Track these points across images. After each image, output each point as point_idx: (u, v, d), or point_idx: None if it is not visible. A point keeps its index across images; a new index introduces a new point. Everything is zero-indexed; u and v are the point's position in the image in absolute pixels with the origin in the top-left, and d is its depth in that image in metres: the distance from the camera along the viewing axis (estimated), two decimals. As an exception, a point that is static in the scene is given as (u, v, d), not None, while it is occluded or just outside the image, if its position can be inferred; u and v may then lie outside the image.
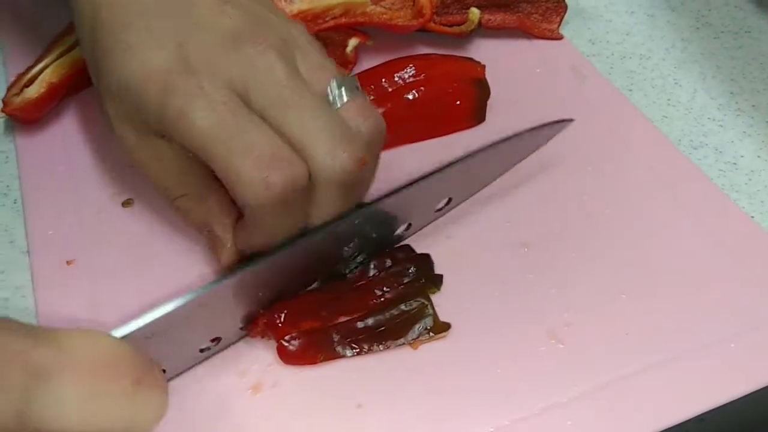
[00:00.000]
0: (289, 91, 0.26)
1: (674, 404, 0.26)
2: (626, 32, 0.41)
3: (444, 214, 0.31)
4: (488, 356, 0.27)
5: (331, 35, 0.37)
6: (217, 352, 0.28)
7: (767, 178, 0.34)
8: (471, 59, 0.36)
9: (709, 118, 0.37)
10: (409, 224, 0.30)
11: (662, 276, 0.29)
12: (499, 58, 0.38)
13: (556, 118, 0.32)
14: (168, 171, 0.29)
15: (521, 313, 0.29)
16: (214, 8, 0.27)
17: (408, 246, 0.30)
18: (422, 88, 0.34)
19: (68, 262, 0.31)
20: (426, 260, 0.29)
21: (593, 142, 0.35)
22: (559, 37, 0.40)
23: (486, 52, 0.39)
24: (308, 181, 0.26)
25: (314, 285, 0.29)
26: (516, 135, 0.29)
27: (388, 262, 0.29)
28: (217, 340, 0.27)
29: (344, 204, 0.27)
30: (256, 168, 0.25)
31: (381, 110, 0.33)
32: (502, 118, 0.36)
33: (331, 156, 0.26)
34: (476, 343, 0.27)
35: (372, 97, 0.33)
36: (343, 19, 0.36)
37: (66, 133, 0.36)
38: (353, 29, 0.37)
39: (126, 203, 0.34)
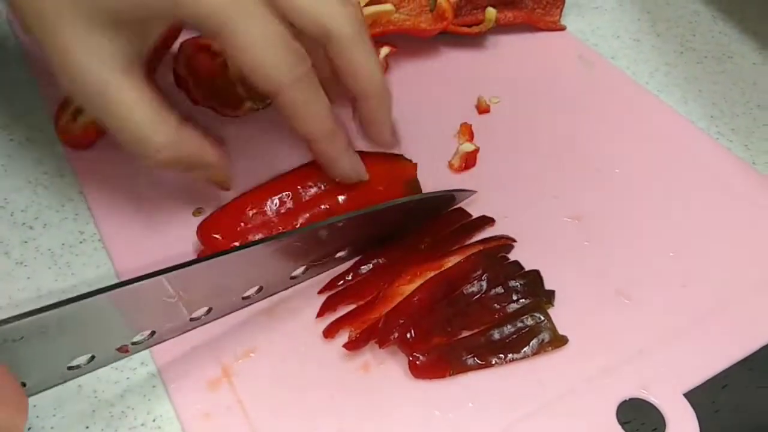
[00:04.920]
0: None
1: (741, 340, 0.34)
2: (612, 56, 0.50)
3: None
4: (566, 319, 0.34)
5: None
6: (88, 372, 0.31)
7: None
8: (402, 157, 0.40)
9: (689, 141, 0.46)
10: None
11: (699, 232, 0.38)
12: (515, 52, 0.48)
13: (572, 101, 0.45)
14: (142, 115, 0.32)
15: (586, 276, 0.36)
16: None
17: (517, 262, 0.36)
18: (346, 194, 0.37)
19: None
20: (536, 276, 0.35)
21: (612, 121, 0.45)
22: (562, 28, 0.51)
23: (500, 47, 0.50)
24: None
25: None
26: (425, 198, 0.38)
27: (501, 278, 0.35)
28: (91, 359, 0.30)
29: (371, 57, 0.33)
30: (275, 54, 0.30)
31: (306, 215, 0.36)
32: (528, 106, 0.45)
33: (340, 11, 0.32)
34: (553, 312, 0.34)
35: (290, 207, 0.36)
36: (376, 29, 0.43)
37: (115, 150, 0.40)
38: (379, 39, 0.44)
39: (196, 212, 0.39)
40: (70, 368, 0.30)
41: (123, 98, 0.31)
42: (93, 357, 0.30)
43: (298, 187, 0.36)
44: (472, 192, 0.39)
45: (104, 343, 0.30)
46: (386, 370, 0.32)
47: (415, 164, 0.39)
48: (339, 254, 0.36)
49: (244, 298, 0.34)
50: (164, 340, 0.32)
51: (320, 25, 0.32)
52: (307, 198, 0.36)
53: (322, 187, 0.36)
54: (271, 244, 0.32)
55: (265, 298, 0.35)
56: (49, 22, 0.30)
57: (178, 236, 0.37)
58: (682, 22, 0.53)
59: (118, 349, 0.31)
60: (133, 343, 0.31)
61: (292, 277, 0.35)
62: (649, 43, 0.51)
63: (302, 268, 0.35)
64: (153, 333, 0.31)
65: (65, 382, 0.30)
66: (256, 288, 0.34)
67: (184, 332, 0.33)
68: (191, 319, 0.32)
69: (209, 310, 0.33)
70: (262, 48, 0.30)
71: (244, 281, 0.33)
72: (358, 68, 0.33)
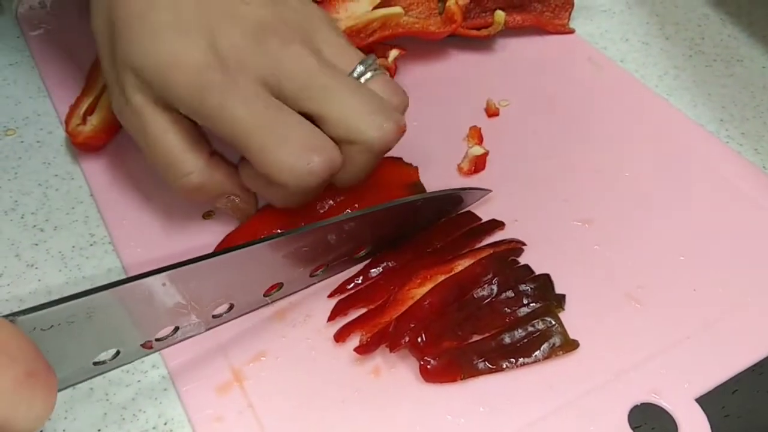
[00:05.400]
0: (322, 76, 0.32)
1: (752, 345, 0.34)
2: (621, 59, 0.50)
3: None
4: (576, 323, 0.34)
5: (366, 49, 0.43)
6: (112, 368, 0.30)
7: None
8: (401, 161, 0.40)
9: (699, 144, 0.45)
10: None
11: (709, 236, 0.38)
12: (524, 55, 0.48)
13: (581, 104, 0.44)
14: (177, 143, 0.33)
15: (596, 280, 0.36)
16: None
17: (527, 266, 0.36)
18: (356, 205, 0.37)
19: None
20: (546, 280, 0.35)
21: (621, 124, 0.45)
22: (571, 31, 0.51)
23: (509, 50, 0.50)
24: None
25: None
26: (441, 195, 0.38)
27: (511, 282, 0.34)
28: (116, 354, 0.30)
29: (372, 167, 0.34)
30: (299, 156, 0.31)
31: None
32: (537, 109, 0.45)
33: (377, 128, 0.32)
34: (564, 316, 0.34)
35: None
36: (385, 32, 0.43)
37: (125, 152, 0.42)
38: (388, 42, 0.44)
39: (207, 215, 0.39)
40: (95, 364, 0.29)
41: (158, 120, 0.33)
42: (118, 352, 0.30)
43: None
44: (487, 191, 0.38)
45: (130, 338, 0.30)
46: (397, 374, 0.32)
47: (416, 167, 0.39)
48: (348, 255, 0.36)
49: (265, 295, 0.33)
50: (187, 337, 0.32)
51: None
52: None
53: (331, 203, 0.36)
54: (274, 243, 0.32)
55: (287, 296, 0.34)
56: (97, 42, 0.34)
57: (188, 238, 0.37)
58: (691, 26, 0.53)
59: (143, 345, 0.30)
60: (157, 340, 0.31)
61: (312, 276, 0.35)
62: (658, 47, 0.51)
63: (313, 269, 0.34)
64: (176, 329, 0.31)
65: (89, 378, 0.30)
66: (273, 285, 0.33)
67: (208, 329, 0.32)
68: (214, 316, 0.32)
69: (231, 307, 0.33)
70: (280, 150, 0.31)
71: (259, 278, 0.33)
72: (349, 178, 0.34)
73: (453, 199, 0.38)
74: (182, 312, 0.31)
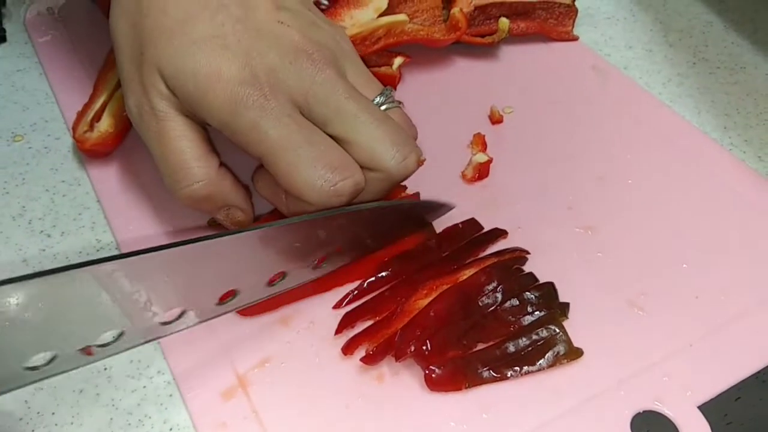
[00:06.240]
0: (353, 103, 0.33)
1: (755, 353, 0.34)
2: (624, 66, 0.50)
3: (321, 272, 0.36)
4: (580, 331, 0.34)
5: (371, 57, 0.44)
6: (48, 376, 0.27)
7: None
8: (403, 188, 0.39)
9: (703, 151, 0.46)
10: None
11: (711, 244, 0.38)
12: (528, 62, 0.48)
13: (585, 111, 0.44)
14: (191, 150, 0.34)
15: (599, 287, 0.36)
16: (270, 12, 0.34)
17: (531, 274, 0.36)
18: None
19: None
20: (550, 288, 0.35)
21: (625, 131, 0.45)
22: (575, 39, 0.51)
23: (513, 57, 0.50)
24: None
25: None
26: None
27: (515, 290, 0.35)
28: (53, 359, 0.27)
29: (385, 194, 0.35)
30: (327, 176, 0.32)
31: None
32: (541, 116, 0.46)
33: (400, 159, 0.34)
34: (567, 323, 0.34)
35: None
36: (390, 39, 0.43)
37: (132, 159, 0.42)
38: (393, 49, 0.44)
39: (211, 221, 0.39)
40: (28, 369, 0.27)
41: (176, 126, 0.33)
42: (54, 357, 0.27)
43: None
44: (450, 206, 0.38)
45: (66, 340, 0.27)
46: (401, 381, 0.32)
47: (417, 193, 0.39)
48: (319, 263, 0.35)
49: (218, 304, 0.32)
50: (135, 346, 0.30)
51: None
52: None
53: None
54: (229, 240, 0.30)
55: (242, 306, 0.33)
56: (118, 43, 0.34)
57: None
58: (695, 33, 0.53)
59: (82, 351, 0.28)
60: (99, 346, 0.28)
61: (270, 284, 0.33)
62: (662, 54, 0.51)
63: (270, 278, 0.33)
64: (122, 334, 0.29)
65: (24, 385, 0.28)
66: (229, 290, 0.32)
67: (157, 338, 0.31)
68: (162, 324, 0.30)
69: (182, 313, 0.31)
70: (309, 170, 0.32)
71: (216, 281, 0.31)
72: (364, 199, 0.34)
73: (408, 210, 0.37)
74: (125, 314, 0.29)
